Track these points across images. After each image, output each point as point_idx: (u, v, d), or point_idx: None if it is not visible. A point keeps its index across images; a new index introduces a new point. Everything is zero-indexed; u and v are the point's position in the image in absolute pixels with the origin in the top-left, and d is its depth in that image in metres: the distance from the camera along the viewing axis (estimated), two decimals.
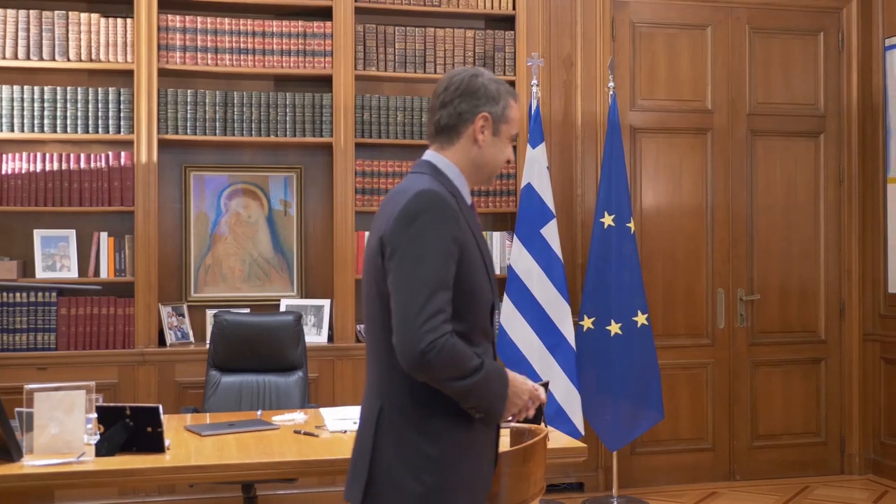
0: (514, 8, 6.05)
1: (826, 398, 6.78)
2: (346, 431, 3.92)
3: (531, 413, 2.66)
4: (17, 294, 5.46)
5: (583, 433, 5.70)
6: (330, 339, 5.82)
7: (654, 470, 6.45)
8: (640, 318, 5.82)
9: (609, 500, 6.02)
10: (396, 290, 2.45)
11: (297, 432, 3.93)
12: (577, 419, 5.70)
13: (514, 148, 5.78)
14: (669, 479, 6.46)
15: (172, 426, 4.01)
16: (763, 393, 6.66)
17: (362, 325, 5.89)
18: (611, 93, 6.04)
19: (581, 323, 5.84)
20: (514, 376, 2.62)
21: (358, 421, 2.68)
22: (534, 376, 5.38)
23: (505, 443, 2.98)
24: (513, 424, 3.00)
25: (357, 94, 5.85)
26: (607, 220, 5.86)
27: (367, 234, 5.86)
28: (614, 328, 5.79)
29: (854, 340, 6.75)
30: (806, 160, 6.75)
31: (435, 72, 5.95)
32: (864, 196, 6.73)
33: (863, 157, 6.74)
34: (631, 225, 5.87)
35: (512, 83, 6.08)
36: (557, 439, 3.80)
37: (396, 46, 5.93)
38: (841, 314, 6.77)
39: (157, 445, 3.51)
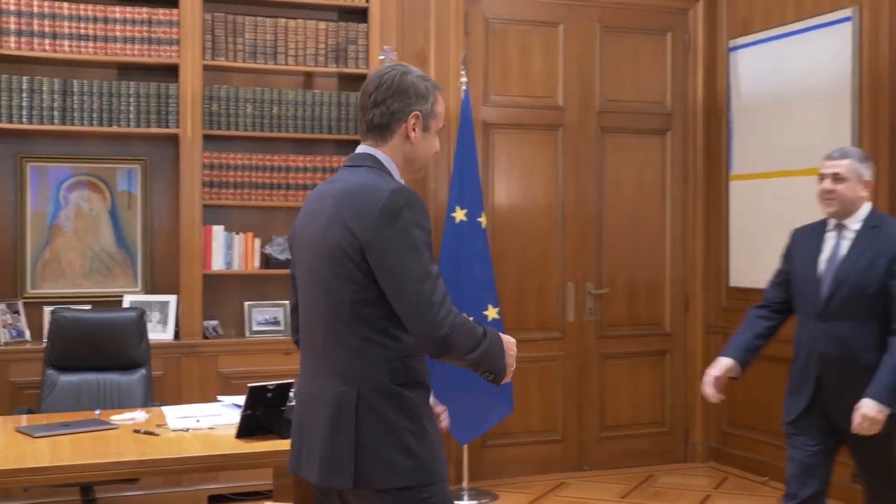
0: (367, 0, 6.00)
1: (671, 389, 6.95)
2: (188, 430, 3.82)
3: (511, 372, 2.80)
4: None
5: None
6: (176, 335, 5.67)
7: (504, 462, 6.50)
8: (491, 312, 5.85)
9: (460, 492, 6.03)
10: (398, 284, 2.57)
11: (136, 431, 3.81)
12: None
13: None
14: (520, 471, 6.52)
15: (4, 428, 3.84)
16: (611, 385, 6.79)
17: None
18: (463, 88, 6.05)
19: None
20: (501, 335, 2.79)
21: (305, 410, 2.78)
22: None
23: None
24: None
25: (205, 85, 5.71)
26: (459, 214, 5.87)
27: (214, 227, 5.76)
28: None
29: (698, 333, 6.94)
30: (653, 157, 6.89)
31: (286, 63, 5.86)
32: (709, 193, 6.91)
33: (707, 155, 6.91)
34: (482, 220, 5.89)
35: (364, 77, 6.03)
36: None
37: (246, 36, 5.81)
38: (686, 307, 6.95)
39: None
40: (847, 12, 5.75)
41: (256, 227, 5.95)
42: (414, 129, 2.76)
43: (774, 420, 6.39)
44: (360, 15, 6.08)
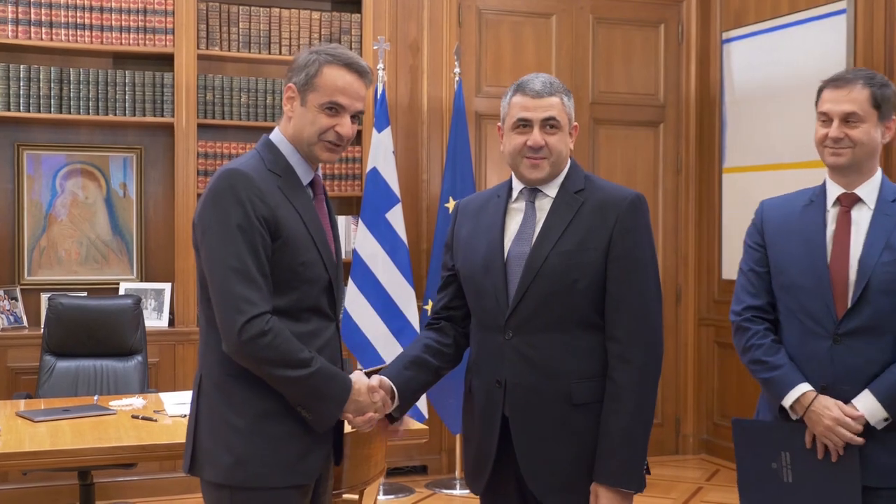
0: None
1: (662, 381, 6.91)
2: (185, 416, 3.84)
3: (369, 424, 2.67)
4: None
5: (426, 416, 5.73)
6: (171, 323, 5.70)
7: None
8: None
9: (452, 482, 6.07)
10: (209, 271, 2.49)
11: (134, 417, 3.84)
12: (421, 403, 5.73)
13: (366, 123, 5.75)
14: None
15: (4, 412, 3.87)
16: None
17: None
18: (457, 79, 6.08)
19: (425, 307, 5.86)
20: (359, 387, 2.61)
21: None
22: (378, 360, 5.38)
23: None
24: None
25: (199, 74, 5.73)
26: (452, 205, 5.89)
27: None
28: None
29: (689, 325, 6.97)
30: (646, 149, 6.92)
31: (280, 53, 5.88)
32: (701, 185, 6.94)
33: (700, 147, 6.94)
34: None
35: None
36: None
37: (241, 26, 5.83)
38: (677, 300, 6.98)
39: None
40: (842, 4, 5.78)
41: None
42: (289, 104, 2.61)
43: None
44: (354, 5, 6.10)
